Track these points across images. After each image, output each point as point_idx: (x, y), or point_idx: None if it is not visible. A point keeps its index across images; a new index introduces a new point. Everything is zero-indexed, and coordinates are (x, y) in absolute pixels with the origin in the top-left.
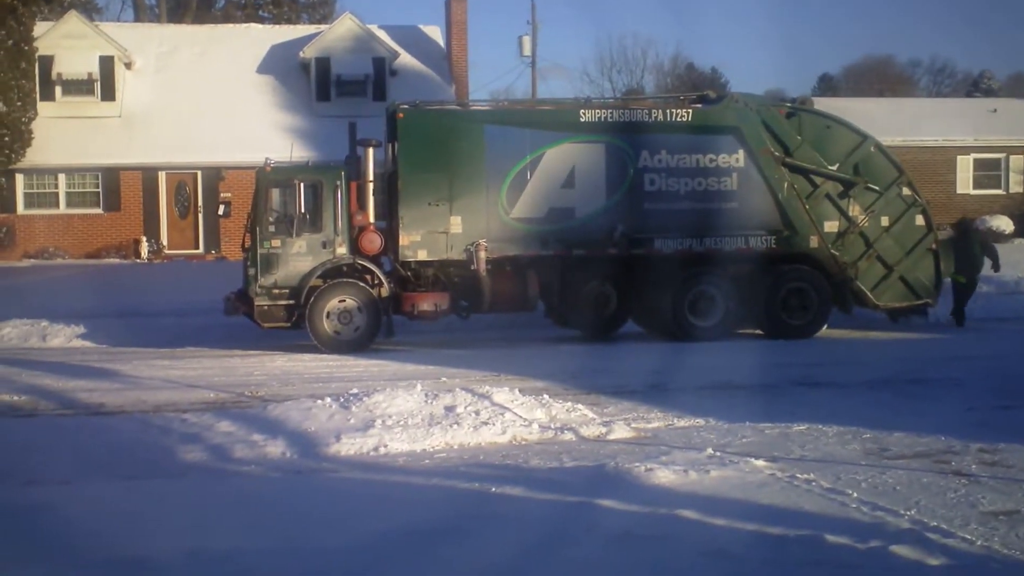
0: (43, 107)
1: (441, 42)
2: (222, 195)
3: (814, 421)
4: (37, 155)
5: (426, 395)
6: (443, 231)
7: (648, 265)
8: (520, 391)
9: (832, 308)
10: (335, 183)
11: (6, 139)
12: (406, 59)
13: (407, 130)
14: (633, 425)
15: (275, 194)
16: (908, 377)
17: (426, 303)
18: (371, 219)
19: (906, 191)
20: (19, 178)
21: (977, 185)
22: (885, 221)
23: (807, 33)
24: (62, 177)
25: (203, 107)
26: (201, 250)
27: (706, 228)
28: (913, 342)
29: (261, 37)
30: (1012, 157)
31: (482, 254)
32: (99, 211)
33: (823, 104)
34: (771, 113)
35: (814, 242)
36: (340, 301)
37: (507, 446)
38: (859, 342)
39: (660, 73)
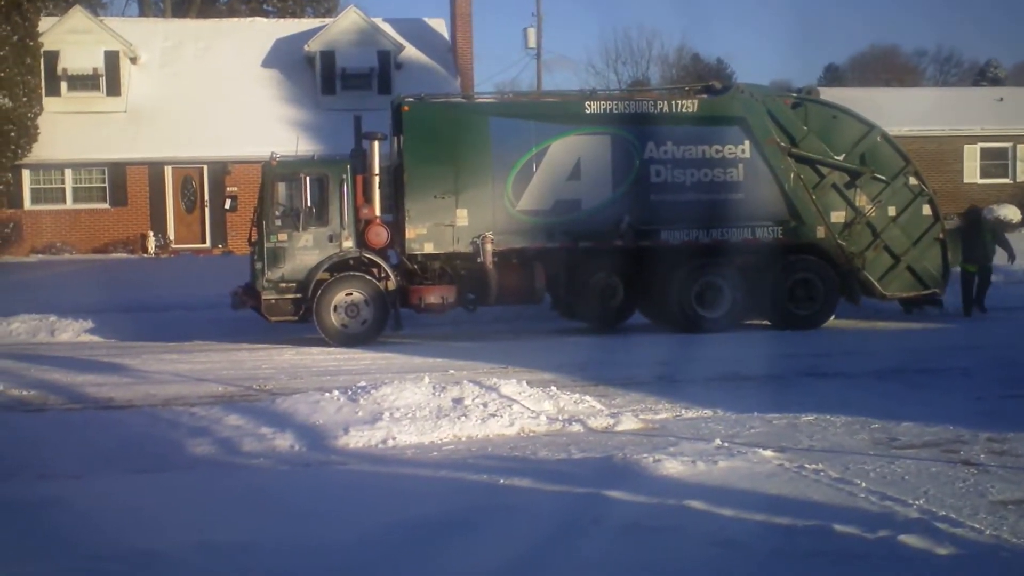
0: (49, 102)
1: (446, 35)
2: (228, 189)
3: (822, 411)
4: (43, 150)
5: (434, 387)
6: (449, 224)
7: (655, 256)
8: (528, 383)
9: (839, 298)
10: (341, 177)
11: (12, 135)
12: (411, 52)
13: (412, 123)
14: (641, 416)
15: (281, 188)
16: (916, 367)
17: (433, 296)
18: (377, 212)
19: (913, 181)
20: (26, 173)
21: (984, 174)
22: (892, 211)
23: (813, 23)
24: (68, 172)
25: (208, 101)
26: (208, 244)
27: (712, 219)
28: (921, 332)
29: (266, 31)
30: (1019, 146)
31: (488, 247)
32: (106, 206)
33: (829, 94)
34: (777, 103)
35: (821, 232)
36: (347, 294)
37: (515, 438)
38: (867, 332)
39: (665, 64)
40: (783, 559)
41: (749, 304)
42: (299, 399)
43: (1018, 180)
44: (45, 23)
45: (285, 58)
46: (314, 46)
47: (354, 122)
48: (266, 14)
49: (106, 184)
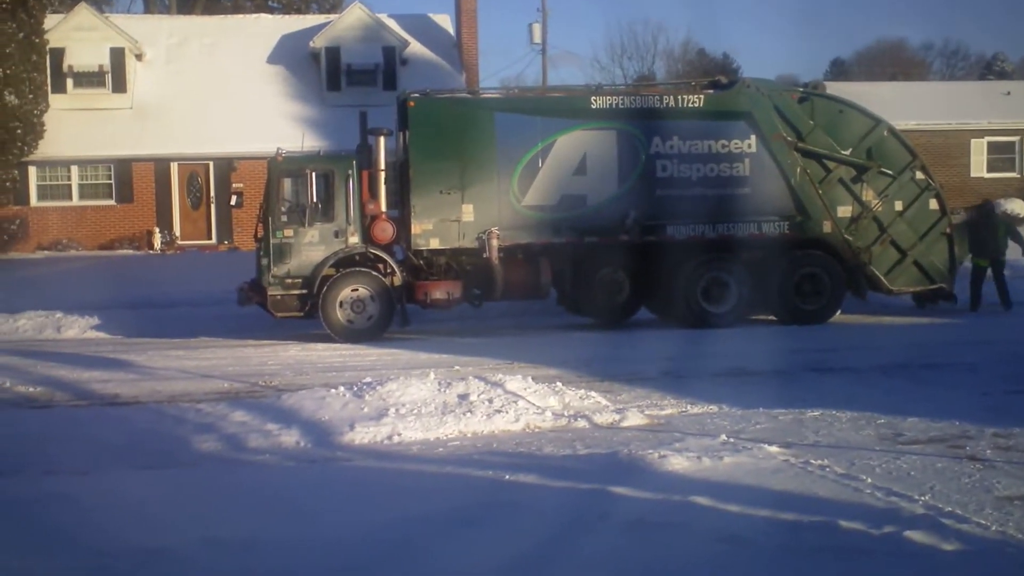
0: (55, 99)
1: (451, 30)
2: (234, 185)
3: (828, 407)
4: (49, 147)
5: (439, 383)
6: (455, 219)
7: (661, 252)
8: (533, 379)
9: (846, 293)
10: (347, 172)
11: (18, 132)
12: (416, 48)
13: (418, 119)
14: (646, 412)
15: (287, 184)
16: (922, 362)
17: (438, 291)
18: (383, 208)
19: (920, 175)
20: (32, 170)
21: (991, 168)
22: (899, 205)
23: (819, 17)
24: (75, 169)
25: (214, 98)
26: (214, 240)
27: (719, 214)
28: (927, 327)
29: (271, 27)
30: None
31: (494, 242)
32: (112, 203)
33: (835, 88)
34: (783, 98)
35: (827, 227)
36: (353, 290)
37: (520, 434)
38: (873, 327)
39: (671, 59)
40: (789, 555)
41: (755, 299)
42: (305, 395)
43: None
44: (51, 20)
45: (290, 54)
46: (319, 42)
47: (359, 118)
48: (271, 11)
49: (112, 181)
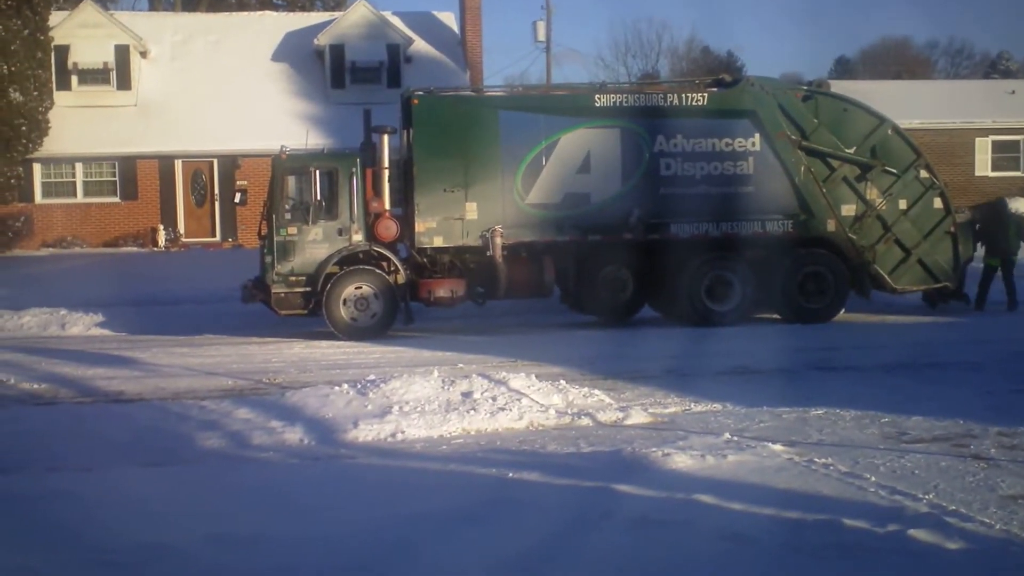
0: (59, 96)
1: (455, 28)
2: (238, 183)
3: (832, 405)
4: (54, 144)
5: (443, 381)
6: (459, 217)
7: (664, 250)
8: (537, 377)
9: (850, 292)
10: (351, 170)
11: (23, 129)
12: (420, 45)
13: (422, 116)
14: (650, 410)
15: (291, 181)
16: (926, 361)
17: (442, 289)
18: (387, 206)
19: (924, 174)
20: (36, 167)
21: (995, 167)
22: (903, 204)
23: (823, 15)
24: (79, 166)
25: (218, 95)
26: (218, 238)
27: (723, 212)
28: (931, 326)
29: (275, 25)
30: None
31: (498, 240)
32: (116, 200)
33: (840, 87)
34: (787, 96)
35: (831, 226)
36: (356, 288)
37: (524, 432)
38: (877, 326)
39: (675, 57)
40: (792, 553)
41: (759, 298)
42: (308, 393)
43: None
44: (55, 17)
45: (295, 52)
46: (324, 40)
47: (364, 115)
48: (276, 8)
49: (116, 178)
